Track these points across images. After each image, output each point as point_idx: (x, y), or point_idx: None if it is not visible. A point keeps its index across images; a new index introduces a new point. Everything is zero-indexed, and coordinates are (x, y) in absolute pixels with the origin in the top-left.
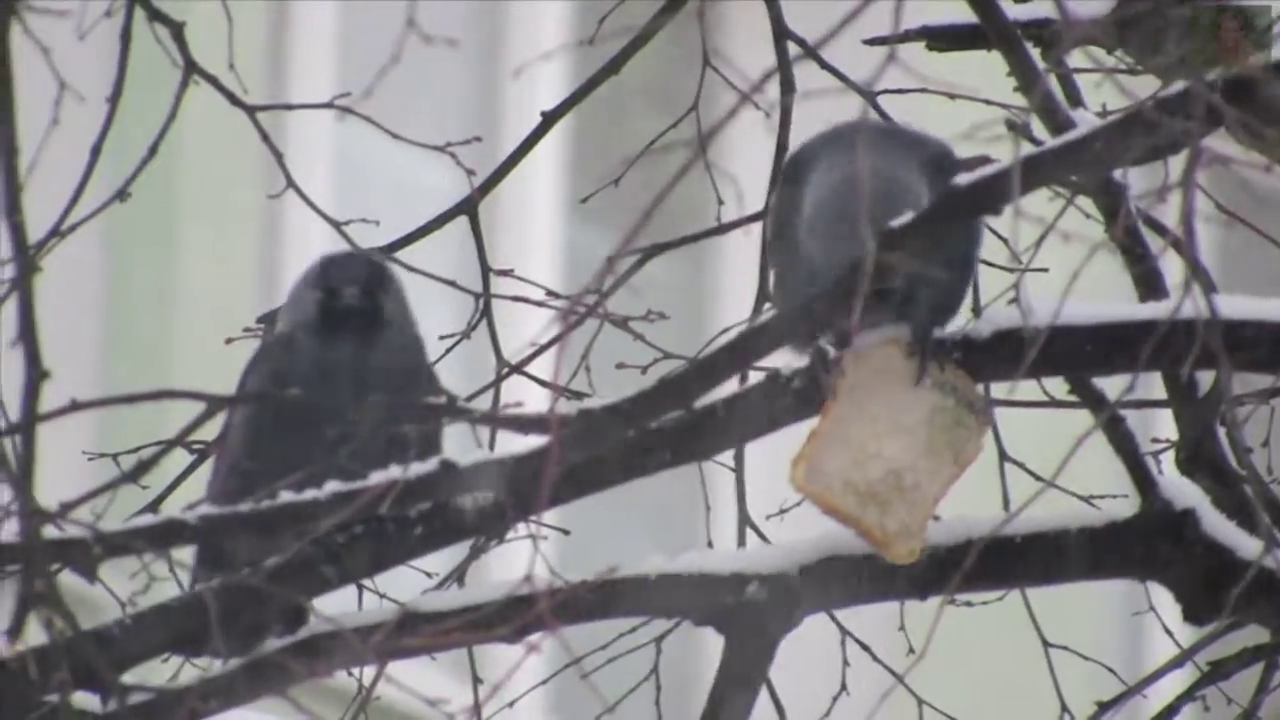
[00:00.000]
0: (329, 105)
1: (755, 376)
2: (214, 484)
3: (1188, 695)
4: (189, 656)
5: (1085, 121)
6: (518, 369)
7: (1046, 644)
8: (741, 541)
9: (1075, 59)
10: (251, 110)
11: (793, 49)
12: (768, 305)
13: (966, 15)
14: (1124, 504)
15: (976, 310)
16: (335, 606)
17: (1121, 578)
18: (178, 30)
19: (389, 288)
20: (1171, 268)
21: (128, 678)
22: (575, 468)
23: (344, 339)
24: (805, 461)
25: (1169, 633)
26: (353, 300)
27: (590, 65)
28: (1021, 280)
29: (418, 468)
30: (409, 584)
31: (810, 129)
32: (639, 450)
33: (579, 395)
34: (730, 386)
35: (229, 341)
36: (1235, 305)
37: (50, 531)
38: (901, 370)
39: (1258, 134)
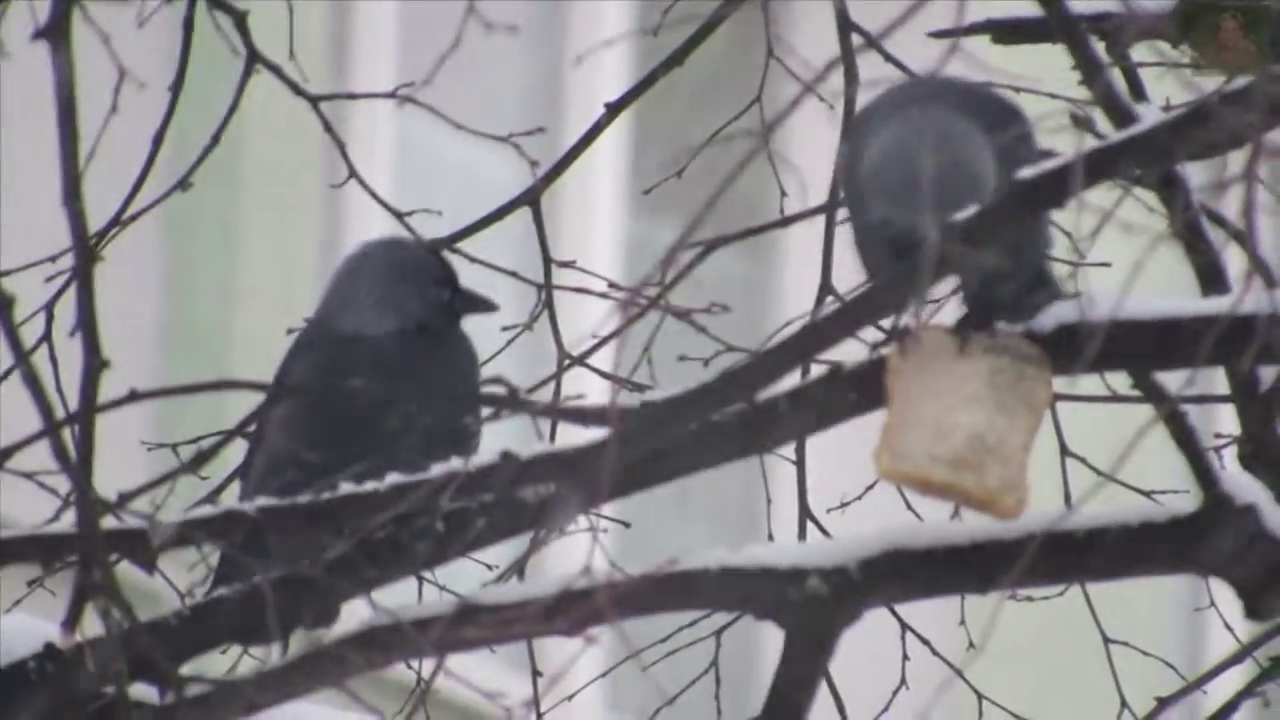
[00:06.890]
0: (391, 95)
1: (817, 370)
2: (259, 477)
3: (1248, 691)
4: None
5: (1149, 115)
6: (579, 361)
7: (1107, 639)
8: (802, 535)
9: (1139, 52)
10: (314, 100)
11: (856, 40)
12: (830, 298)
13: (1031, 8)
14: (1186, 499)
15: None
16: (394, 599)
17: (1182, 573)
18: (240, 18)
19: None
20: (1234, 261)
21: (185, 669)
22: (636, 460)
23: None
24: (886, 449)
25: (1229, 628)
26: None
27: (653, 52)
28: (1083, 273)
29: (479, 460)
30: (469, 577)
31: None
32: (700, 443)
33: (641, 387)
34: (792, 379)
35: (290, 332)
36: None
37: (109, 522)
38: (951, 345)
39: None
